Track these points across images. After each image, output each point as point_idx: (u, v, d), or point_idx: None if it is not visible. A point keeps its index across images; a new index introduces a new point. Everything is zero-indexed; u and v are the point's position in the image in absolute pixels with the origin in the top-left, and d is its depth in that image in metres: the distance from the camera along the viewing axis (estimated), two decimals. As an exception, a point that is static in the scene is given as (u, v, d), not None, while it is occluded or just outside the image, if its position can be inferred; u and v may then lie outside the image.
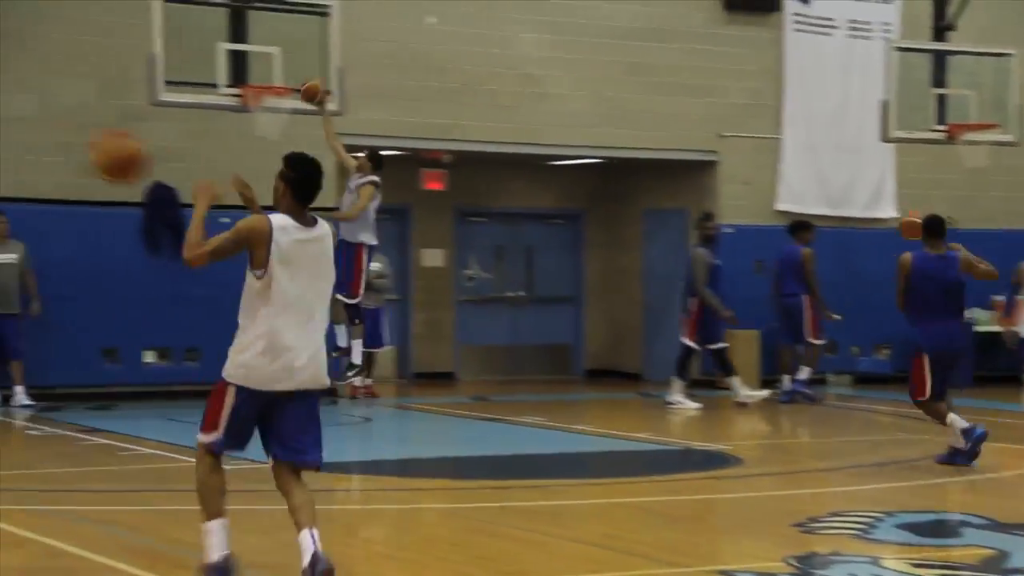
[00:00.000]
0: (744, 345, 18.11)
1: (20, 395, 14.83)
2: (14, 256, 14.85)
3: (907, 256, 11.20)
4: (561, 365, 19.77)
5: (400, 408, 16.47)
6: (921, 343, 11.08)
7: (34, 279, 14.95)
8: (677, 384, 15.83)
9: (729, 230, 18.42)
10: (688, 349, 15.87)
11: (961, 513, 9.21)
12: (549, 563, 7.77)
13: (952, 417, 11.04)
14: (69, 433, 12.87)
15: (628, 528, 8.84)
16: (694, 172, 18.72)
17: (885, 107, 16.52)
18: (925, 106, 17.15)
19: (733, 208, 18.57)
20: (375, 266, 16.76)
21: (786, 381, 16.82)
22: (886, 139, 17.00)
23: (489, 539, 8.40)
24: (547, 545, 8.19)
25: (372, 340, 16.65)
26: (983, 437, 10.94)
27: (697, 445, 12.97)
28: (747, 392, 16.07)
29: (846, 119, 18.94)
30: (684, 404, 15.71)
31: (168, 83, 13.63)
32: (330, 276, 6.88)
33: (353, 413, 15.53)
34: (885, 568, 7.47)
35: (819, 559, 7.72)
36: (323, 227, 6.99)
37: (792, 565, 7.50)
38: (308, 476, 9.81)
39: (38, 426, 13.55)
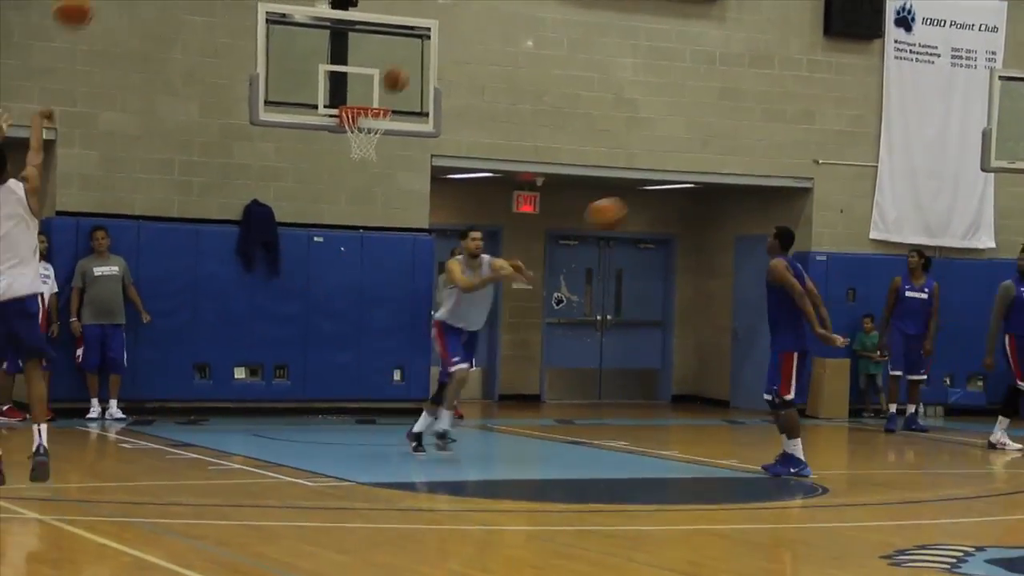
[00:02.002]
0: (836, 374, 17.96)
1: (114, 408, 15.10)
2: (116, 269, 15.15)
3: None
4: (648, 390, 19.72)
5: (485, 429, 16.52)
6: None
7: (136, 292, 15.22)
8: (1003, 423, 14.66)
9: (822, 258, 18.29)
10: (1016, 389, 14.63)
11: (1053, 551, 9.04)
12: (630, 589, 7.75)
13: None
14: (160, 447, 13.08)
15: (710, 555, 8.80)
16: (788, 198, 18.61)
17: (987, 136, 16.30)
18: (1027, 136, 16.89)
19: (827, 236, 18.43)
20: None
21: (892, 409, 16.62)
22: (986, 168, 16.77)
23: (570, 563, 8.40)
24: (628, 570, 8.17)
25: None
26: None
27: (783, 474, 12.84)
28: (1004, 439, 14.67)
29: (946, 147, 18.72)
30: (1008, 445, 14.59)
31: (268, 103, 13.84)
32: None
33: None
34: (972, 604, 7.36)
35: (905, 593, 7.63)
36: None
37: (877, 598, 7.42)
38: (392, 495, 9.80)
39: (130, 439, 13.78)
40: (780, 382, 11.97)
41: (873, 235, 18.49)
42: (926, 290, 16.54)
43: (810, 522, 10.38)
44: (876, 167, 18.53)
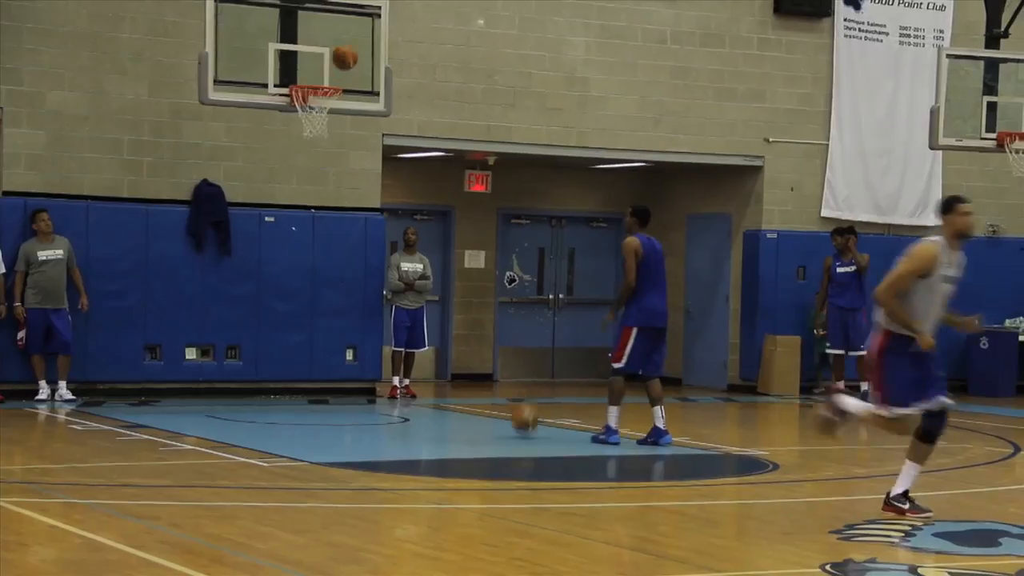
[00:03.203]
0: (787, 351, 18.11)
1: (63, 390, 15.01)
2: (60, 252, 15.03)
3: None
4: (600, 368, 19.76)
5: (438, 408, 16.54)
6: None
7: (80, 275, 15.12)
8: None
9: (772, 236, 18.41)
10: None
11: (999, 522, 9.18)
12: (583, 565, 7.81)
13: None
14: (111, 428, 13.02)
15: (663, 532, 8.87)
16: (739, 177, 18.70)
17: (935, 114, 16.44)
18: (975, 114, 17.04)
19: (778, 214, 18.54)
20: (416, 267, 16.88)
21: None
22: (935, 146, 16.92)
23: (524, 540, 8.45)
24: (582, 547, 8.23)
25: (412, 341, 16.77)
26: None
27: (734, 450, 12.97)
28: None
29: (894, 126, 18.87)
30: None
31: (218, 82, 13.76)
32: None
33: (391, 413, 15.61)
34: (921, 577, 7.47)
35: (856, 566, 7.72)
36: None
37: (829, 572, 7.51)
38: (347, 475, 9.81)
39: (81, 421, 13.71)
40: (616, 351, 12.55)
41: (824, 213, 18.62)
42: (852, 262, 16.87)
43: (761, 498, 10.45)
44: (827, 145, 18.65)
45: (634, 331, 12.47)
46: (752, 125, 18.36)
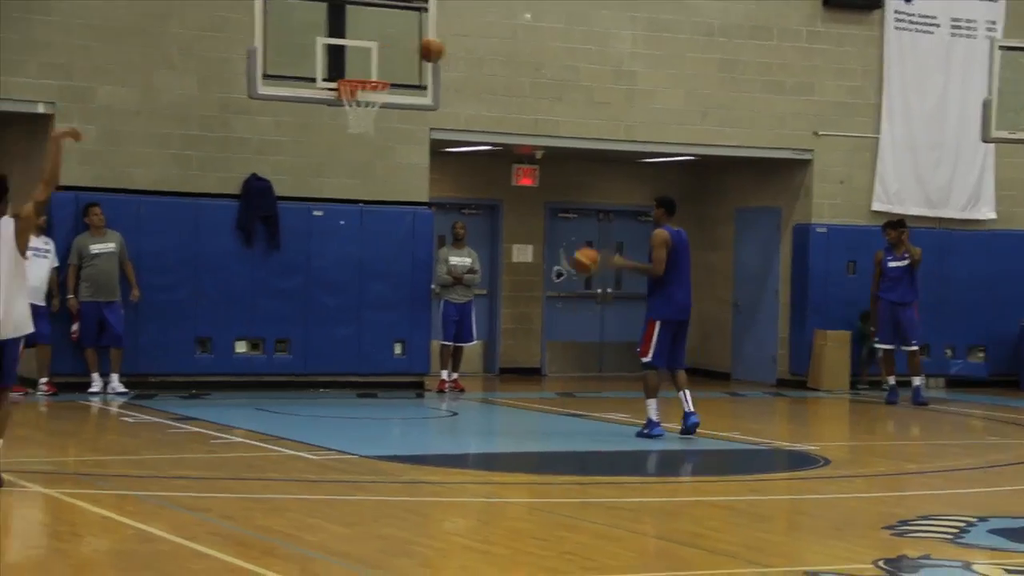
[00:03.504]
0: (837, 345, 18.00)
1: (115, 383, 15.12)
2: (112, 245, 15.14)
3: None
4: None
5: (486, 402, 16.56)
6: None
7: (132, 268, 15.22)
8: None
9: (822, 230, 18.29)
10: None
11: (1055, 520, 9.08)
12: (634, 559, 7.79)
13: None
14: (162, 421, 13.11)
15: (713, 527, 8.83)
16: (788, 170, 18.59)
17: (987, 106, 16.26)
18: (1028, 106, 16.87)
19: (827, 208, 18.42)
20: (465, 261, 16.90)
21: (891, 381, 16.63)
22: (987, 139, 16.74)
23: (573, 534, 8.44)
24: (631, 542, 8.21)
25: (460, 335, 16.79)
26: None
27: (785, 446, 12.91)
28: None
29: (946, 118, 18.69)
30: None
31: (267, 77, 13.82)
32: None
33: (440, 407, 15.64)
34: (977, 573, 7.39)
35: (909, 563, 7.65)
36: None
37: (882, 568, 7.45)
38: (396, 468, 9.88)
39: (132, 413, 13.81)
40: (642, 345, 12.67)
41: (875, 206, 18.47)
42: (906, 256, 16.54)
43: (812, 493, 10.39)
44: (876, 138, 18.50)
45: (658, 324, 12.57)
46: (801, 118, 18.24)
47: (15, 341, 9.08)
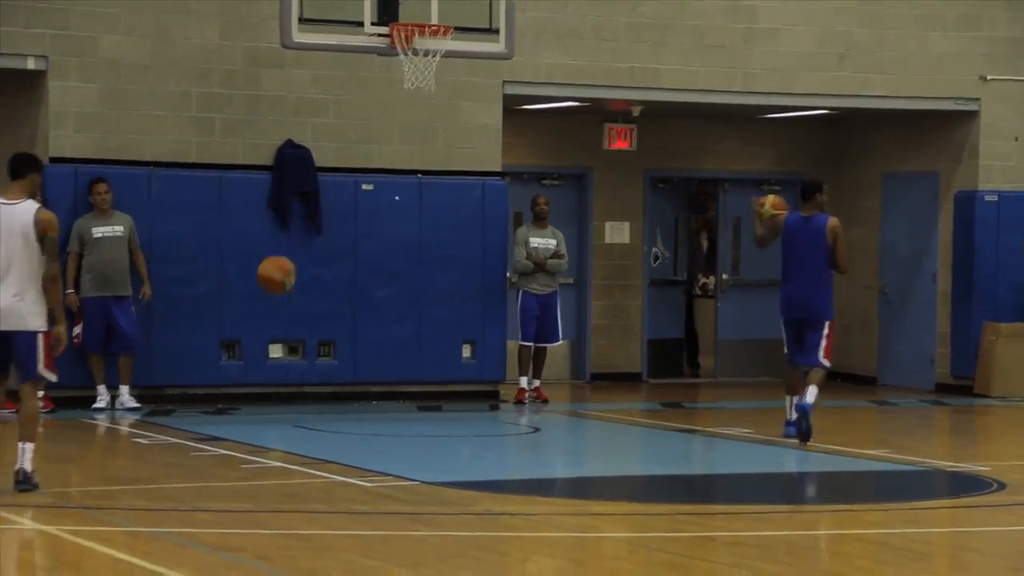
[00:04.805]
0: (1011, 342, 17.86)
1: (125, 396, 15.30)
2: (120, 229, 15.32)
3: None
4: (772, 366, 19.63)
5: (575, 415, 16.58)
6: None
7: (144, 258, 15.40)
8: None
9: (992, 198, 18.14)
10: None
11: None
12: (761, 607, 7.79)
13: None
14: (182, 442, 13.26)
15: (859, 566, 8.82)
16: (948, 126, 18.46)
17: None
18: None
19: (998, 170, 18.26)
20: (548, 243, 16.93)
21: None
22: None
23: (687, 575, 8.46)
24: (758, 585, 8.22)
25: (542, 334, 16.83)
26: None
27: (948, 466, 12.84)
28: None
29: None
30: None
31: (303, 21, 13.92)
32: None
33: (519, 422, 15.70)
34: None
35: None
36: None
37: (1068, 616, 7.41)
38: (466, 496, 10.02)
39: (146, 433, 13.98)
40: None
41: (1059, 168, 18.32)
42: None
43: (982, 525, 10.36)
44: (1060, 84, 18.34)
45: (781, 321, 13.81)
46: (965, 59, 18.09)
47: (28, 335, 10.32)
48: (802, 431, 13.24)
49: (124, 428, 14.48)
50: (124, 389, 15.34)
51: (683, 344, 20.39)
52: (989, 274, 18.16)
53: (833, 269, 13.70)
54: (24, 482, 10.29)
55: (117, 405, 15.29)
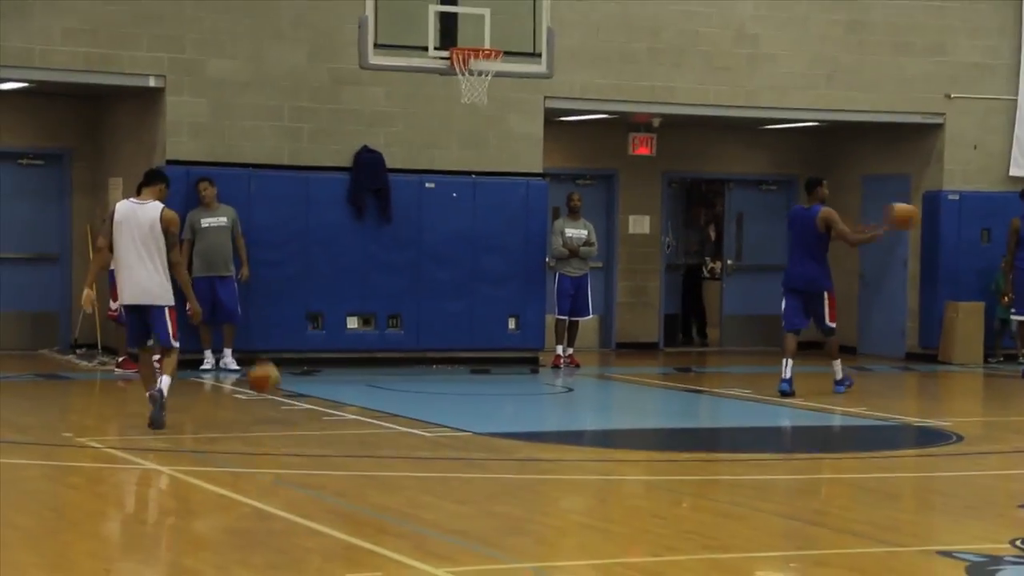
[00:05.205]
0: (969, 317, 17.72)
1: (228, 359, 15.37)
2: (224, 219, 15.37)
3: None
4: (770, 336, 19.54)
5: (602, 378, 16.57)
6: None
7: (244, 244, 15.44)
8: None
9: (954, 197, 17.98)
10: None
11: None
12: (756, 539, 7.76)
13: None
14: (274, 398, 13.29)
15: (840, 505, 8.77)
16: (918, 136, 18.28)
17: None
18: None
19: (960, 174, 18.09)
20: (581, 232, 16.88)
21: None
22: None
23: (693, 512, 8.43)
24: (754, 520, 8.18)
25: (575, 309, 16.79)
26: None
27: (915, 421, 12.75)
28: None
29: (1089, 79, 18.24)
30: None
31: (378, 46, 13.88)
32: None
33: (555, 383, 15.68)
34: (1117, 555, 7.25)
35: (1047, 543, 7.53)
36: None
37: (1019, 548, 7.35)
38: (510, 445, 9.98)
39: (245, 390, 14.02)
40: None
41: (1013, 172, 18.08)
42: None
43: (944, 471, 10.27)
44: (1013, 100, 18.10)
45: (783, 291, 14.27)
46: (932, 80, 17.92)
47: (159, 309, 10.99)
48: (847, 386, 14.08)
49: (226, 386, 14.54)
50: (227, 352, 15.39)
51: (689, 318, 20.33)
52: (951, 261, 18.01)
53: (826, 251, 14.05)
54: (158, 400, 10.74)
55: (221, 366, 15.35)
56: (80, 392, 14.13)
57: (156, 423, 10.73)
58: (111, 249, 11.03)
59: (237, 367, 15.28)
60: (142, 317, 11.06)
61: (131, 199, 11.23)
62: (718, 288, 20.17)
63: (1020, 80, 18.11)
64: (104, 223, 11.39)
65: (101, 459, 9.86)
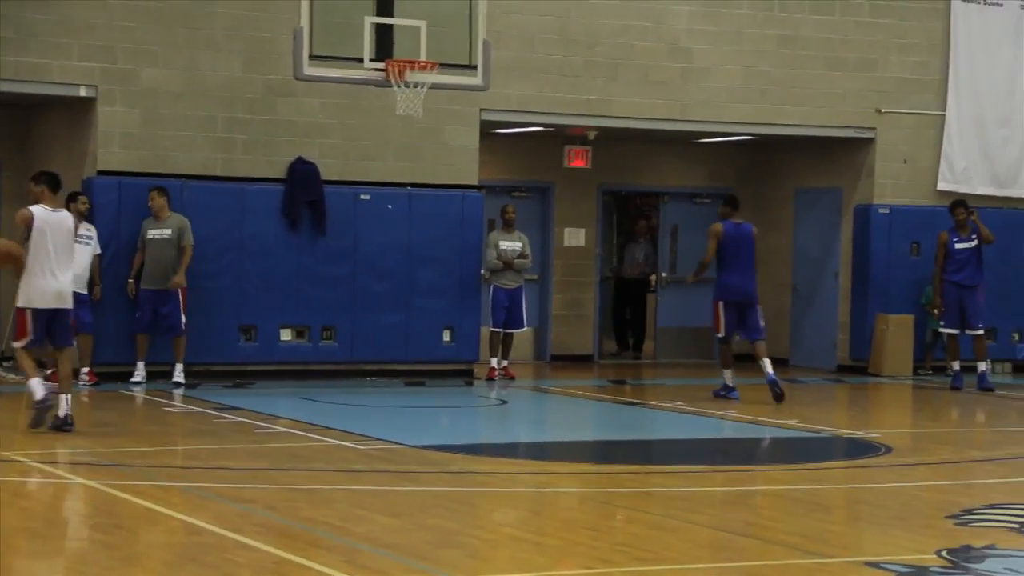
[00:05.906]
0: (899, 330, 17.88)
1: (178, 374, 15.03)
2: (168, 232, 15.07)
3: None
4: (704, 349, 19.66)
5: (537, 390, 16.57)
6: None
7: (189, 255, 15.05)
8: None
9: (884, 211, 18.16)
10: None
11: None
12: (689, 551, 7.78)
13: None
14: (206, 411, 13.20)
15: (770, 516, 8.81)
16: (849, 149, 18.45)
17: (1057, 81, 16.08)
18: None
19: (890, 187, 18.28)
20: (515, 245, 16.89)
21: (955, 367, 16.47)
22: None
23: (626, 525, 8.44)
24: (686, 532, 8.20)
25: (510, 321, 16.79)
26: None
27: (845, 433, 12.84)
28: None
29: (1015, 94, 18.49)
30: None
31: (313, 57, 13.83)
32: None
33: (489, 395, 15.67)
34: (1042, 565, 7.33)
35: (974, 553, 7.60)
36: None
37: (945, 559, 7.41)
38: (444, 458, 9.90)
39: (175, 403, 13.91)
40: (714, 323, 14.91)
41: (941, 186, 18.30)
42: (974, 237, 16.35)
43: (873, 482, 10.34)
44: (943, 115, 18.32)
45: (720, 304, 14.73)
46: (863, 95, 18.10)
47: (67, 311, 11.52)
48: (776, 394, 14.29)
49: (156, 399, 14.39)
50: (178, 367, 15.00)
51: (622, 329, 20.40)
52: (881, 273, 18.19)
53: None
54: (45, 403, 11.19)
55: (174, 380, 14.95)
56: (5, 406, 13.95)
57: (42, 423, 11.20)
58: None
59: (183, 381, 14.99)
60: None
61: (42, 206, 11.50)
62: (652, 300, 20.23)
63: (948, 95, 18.34)
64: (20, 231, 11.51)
65: (27, 473, 9.73)
